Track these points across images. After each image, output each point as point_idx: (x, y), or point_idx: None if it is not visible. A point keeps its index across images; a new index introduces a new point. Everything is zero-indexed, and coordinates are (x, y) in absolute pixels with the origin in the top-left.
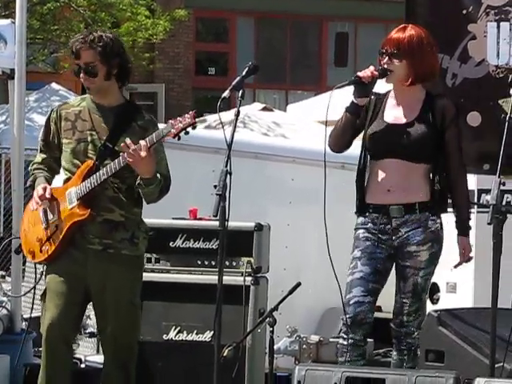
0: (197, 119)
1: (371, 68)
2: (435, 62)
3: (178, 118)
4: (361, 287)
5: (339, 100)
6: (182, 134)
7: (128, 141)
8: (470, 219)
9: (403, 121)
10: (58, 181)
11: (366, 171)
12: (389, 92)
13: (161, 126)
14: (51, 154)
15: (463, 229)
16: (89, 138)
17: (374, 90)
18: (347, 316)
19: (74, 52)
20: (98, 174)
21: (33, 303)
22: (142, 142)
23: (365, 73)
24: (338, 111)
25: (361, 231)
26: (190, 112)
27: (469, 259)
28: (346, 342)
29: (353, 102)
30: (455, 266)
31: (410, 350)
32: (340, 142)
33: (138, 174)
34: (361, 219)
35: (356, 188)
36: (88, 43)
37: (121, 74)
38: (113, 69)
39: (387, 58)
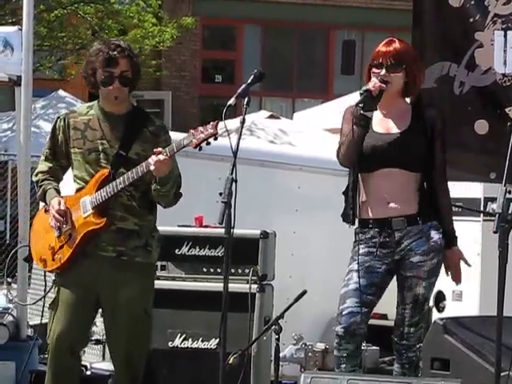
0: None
1: (376, 80)
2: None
3: (200, 128)
4: (355, 298)
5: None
6: (203, 144)
7: (153, 156)
8: (454, 229)
9: (396, 130)
10: (65, 190)
11: (359, 185)
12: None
13: (179, 135)
14: (57, 162)
15: (451, 239)
16: (100, 147)
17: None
18: (340, 326)
19: (111, 59)
20: (114, 182)
21: (43, 310)
22: (162, 156)
23: (374, 86)
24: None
25: (361, 246)
26: (212, 122)
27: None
28: (340, 354)
29: (363, 115)
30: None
31: (412, 363)
32: (353, 156)
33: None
34: (360, 236)
35: (349, 202)
36: (124, 52)
37: (135, 84)
38: (135, 78)
39: (384, 70)
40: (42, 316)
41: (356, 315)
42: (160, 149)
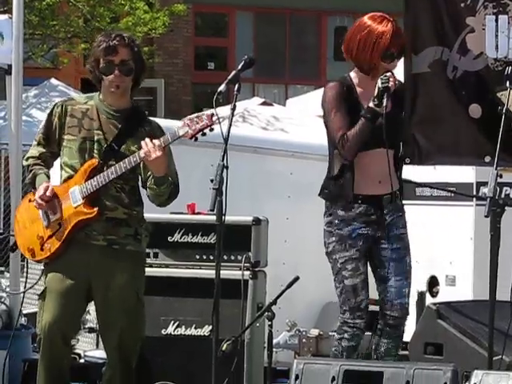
0: (214, 119)
1: (394, 77)
2: None
3: (195, 119)
4: (366, 290)
5: None
6: (199, 135)
7: (147, 140)
8: None
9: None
10: (53, 177)
11: (355, 163)
12: (350, 80)
13: (173, 122)
14: (50, 148)
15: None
16: (95, 138)
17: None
18: (362, 321)
19: (110, 47)
20: (105, 172)
21: (22, 300)
22: (157, 142)
23: (393, 84)
24: None
25: (351, 228)
26: (207, 113)
27: None
28: (349, 344)
29: (376, 111)
30: None
31: (401, 336)
32: (357, 150)
33: (145, 175)
34: (345, 213)
35: (344, 181)
36: (125, 41)
37: (139, 79)
38: (139, 71)
39: (396, 61)
40: (22, 304)
41: (367, 306)
42: (156, 140)
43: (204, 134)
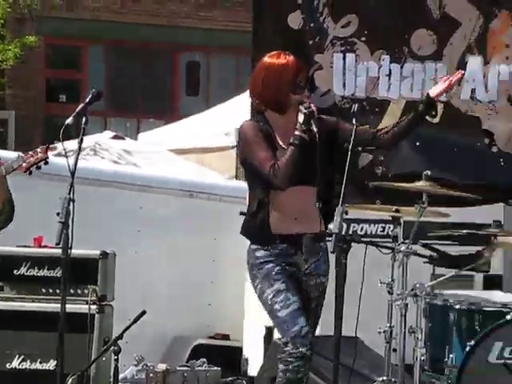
0: (49, 152)
1: (310, 101)
2: None
3: (30, 153)
4: (303, 317)
5: (216, 124)
6: (33, 168)
7: None
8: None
9: None
10: None
11: (269, 202)
12: (264, 118)
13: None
14: None
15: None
16: None
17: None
18: (305, 348)
19: None
20: None
21: None
22: None
23: (314, 107)
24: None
25: (271, 266)
26: (42, 146)
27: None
28: (299, 376)
29: (303, 137)
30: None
31: None
32: (292, 177)
33: None
34: (265, 252)
35: (257, 220)
36: None
37: None
38: None
39: (307, 91)
40: None
41: (310, 333)
42: None
43: (39, 168)
